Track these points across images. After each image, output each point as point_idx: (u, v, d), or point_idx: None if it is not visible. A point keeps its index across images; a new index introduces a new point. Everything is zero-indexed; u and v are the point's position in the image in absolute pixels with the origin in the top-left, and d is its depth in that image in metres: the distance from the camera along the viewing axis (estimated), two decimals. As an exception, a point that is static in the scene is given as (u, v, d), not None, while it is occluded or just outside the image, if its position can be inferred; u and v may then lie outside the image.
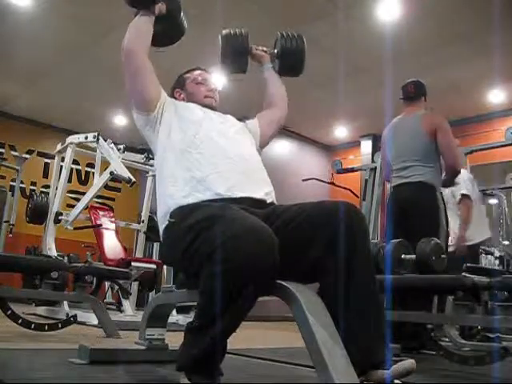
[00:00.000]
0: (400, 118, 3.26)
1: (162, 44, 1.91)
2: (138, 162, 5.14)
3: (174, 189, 1.56)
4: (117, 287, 4.49)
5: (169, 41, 1.94)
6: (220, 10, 4.45)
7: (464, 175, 3.97)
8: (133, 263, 4.38)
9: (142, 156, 5.02)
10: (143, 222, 5.25)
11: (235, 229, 1.21)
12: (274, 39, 2.08)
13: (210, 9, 4.58)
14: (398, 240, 2.46)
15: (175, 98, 1.90)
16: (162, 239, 1.59)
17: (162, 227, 1.58)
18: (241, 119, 1.89)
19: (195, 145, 1.62)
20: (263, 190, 1.59)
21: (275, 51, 2.04)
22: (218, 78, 5.55)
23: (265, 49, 2.04)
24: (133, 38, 1.68)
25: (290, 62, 2.03)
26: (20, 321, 2.63)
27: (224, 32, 1.98)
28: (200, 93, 1.85)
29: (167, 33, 1.88)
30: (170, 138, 1.66)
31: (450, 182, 3.13)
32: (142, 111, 1.70)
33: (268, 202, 1.57)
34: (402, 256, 2.41)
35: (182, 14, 1.89)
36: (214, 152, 1.60)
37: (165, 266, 4.84)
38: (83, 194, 4.96)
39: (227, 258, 1.16)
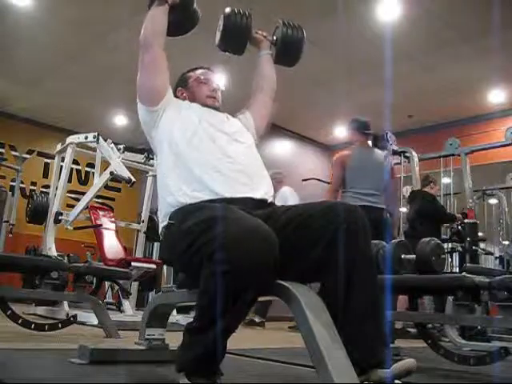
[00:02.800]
0: (364, 149, 3.94)
1: (176, 34, 1.94)
2: (138, 162, 5.13)
3: (174, 188, 1.56)
4: (117, 287, 4.48)
5: (183, 31, 1.97)
6: (218, 11, 4.44)
7: (287, 191, 5.07)
8: (133, 263, 4.38)
9: (142, 156, 5.01)
10: (143, 221, 5.25)
11: (236, 230, 1.20)
12: (274, 26, 2.07)
13: (209, 11, 4.57)
14: (397, 240, 2.47)
15: (178, 97, 1.90)
16: (161, 238, 1.60)
17: (161, 225, 1.58)
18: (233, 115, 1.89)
19: (194, 143, 1.62)
20: (263, 190, 1.59)
21: (274, 38, 2.03)
22: (221, 78, 5.56)
23: (265, 34, 2.04)
24: (149, 31, 1.72)
25: (288, 51, 2.03)
26: (20, 321, 2.63)
27: (227, 10, 1.96)
28: (202, 92, 1.85)
29: (181, 23, 1.90)
30: (170, 136, 1.66)
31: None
32: (146, 103, 1.72)
33: (268, 201, 1.57)
34: (402, 256, 2.41)
35: (195, 3, 1.91)
36: (213, 151, 1.60)
37: (165, 266, 4.84)
38: (83, 194, 4.95)
39: (228, 259, 1.16)
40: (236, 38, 1.97)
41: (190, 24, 1.97)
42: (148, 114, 1.72)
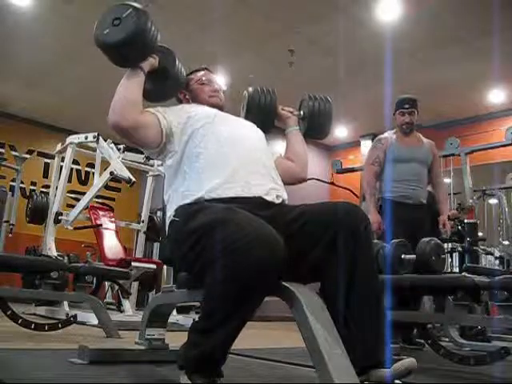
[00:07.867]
0: None
1: (158, 100, 1.77)
2: (138, 162, 5.14)
3: (182, 184, 1.55)
4: (117, 287, 4.48)
5: (164, 96, 1.79)
6: (219, 12, 4.45)
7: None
8: (133, 263, 4.37)
9: (142, 156, 5.02)
10: (143, 221, 5.25)
11: (241, 234, 1.19)
12: (299, 100, 1.99)
13: (208, 11, 4.58)
14: (397, 240, 2.47)
15: (180, 100, 1.89)
16: (167, 233, 1.58)
17: (167, 221, 1.57)
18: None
19: (206, 142, 1.59)
20: (273, 190, 1.56)
21: (301, 113, 1.95)
22: (222, 79, 5.56)
23: (291, 109, 1.95)
24: (119, 111, 1.57)
25: (317, 125, 1.94)
26: (20, 321, 2.63)
27: (250, 90, 1.89)
28: (204, 93, 1.84)
29: (162, 87, 1.75)
30: (183, 144, 1.62)
31: None
32: (148, 150, 1.68)
33: (276, 203, 1.54)
34: (402, 256, 2.41)
35: (177, 63, 1.74)
36: (224, 148, 1.58)
37: (165, 266, 4.84)
38: (83, 194, 4.95)
39: (234, 262, 1.15)
40: (261, 118, 1.86)
41: (172, 88, 1.79)
42: (157, 151, 1.65)
